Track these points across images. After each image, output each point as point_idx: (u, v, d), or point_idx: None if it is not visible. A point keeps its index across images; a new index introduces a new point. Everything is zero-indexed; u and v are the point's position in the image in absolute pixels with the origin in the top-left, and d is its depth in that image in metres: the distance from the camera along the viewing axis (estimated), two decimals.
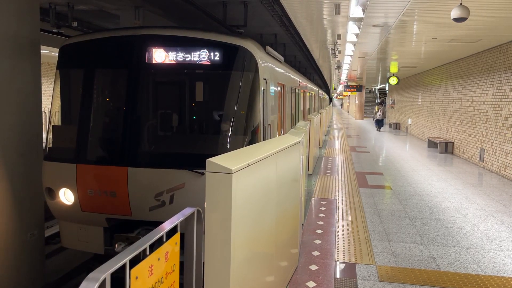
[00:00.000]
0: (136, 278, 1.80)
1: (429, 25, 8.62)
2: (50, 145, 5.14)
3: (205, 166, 4.12)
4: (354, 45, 11.78)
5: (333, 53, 13.68)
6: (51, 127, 5.16)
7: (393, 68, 19.20)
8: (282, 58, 8.21)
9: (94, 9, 8.89)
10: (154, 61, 4.87)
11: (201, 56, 4.80)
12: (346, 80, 31.35)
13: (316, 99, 22.65)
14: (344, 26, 9.23)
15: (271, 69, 6.36)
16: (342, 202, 7.72)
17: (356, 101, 39.25)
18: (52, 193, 4.94)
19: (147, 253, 1.91)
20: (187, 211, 2.40)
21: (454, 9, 6.07)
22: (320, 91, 29.05)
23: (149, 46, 4.88)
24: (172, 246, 2.22)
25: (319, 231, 5.99)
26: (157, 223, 2.14)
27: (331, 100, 60.39)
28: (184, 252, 2.58)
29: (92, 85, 5.05)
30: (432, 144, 16.87)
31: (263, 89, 5.44)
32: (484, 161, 11.96)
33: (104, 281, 1.57)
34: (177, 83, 5.19)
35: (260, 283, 3.25)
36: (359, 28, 9.09)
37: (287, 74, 9.08)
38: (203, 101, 5.10)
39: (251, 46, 5.06)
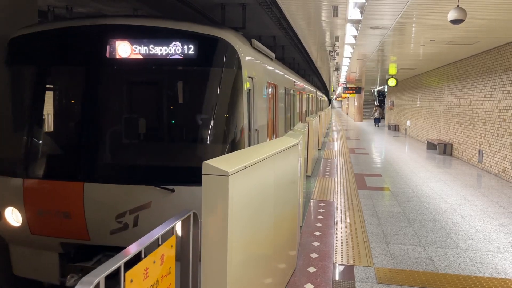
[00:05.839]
0: (131, 281, 1.80)
1: (427, 27, 8.64)
2: None
3: (176, 181, 3.83)
4: (353, 47, 11.80)
5: (332, 55, 13.70)
6: None
7: (392, 70, 19.24)
8: (273, 55, 7.44)
9: (93, 11, 8.90)
10: (117, 56, 4.16)
11: (173, 49, 4.11)
12: (345, 82, 31.40)
13: (315, 101, 22.53)
14: (343, 28, 9.25)
15: (259, 67, 5.61)
16: (340, 204, 7.71)
17: (355, 103, 39.29)
18: None
19: (142, 256, 1.91)
20: (183, 214, 2.40)
21: (451, 11, 6.09)
22: (319, 93, 29.02)
23: (111, 38, 4.16)
24: (168, 248, 2.22)
25: (317, 233, 5.99)
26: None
27: (330, 102, 60.44)
28: (180, 255, 2.58)
29: (44, 85, 4.35)
30: (431, 146, 16.89)
31: (249, 89, 4.79)
32: (483, 163, 11.97)
33: (98, 285, 1.57)
34: (144, 82, 4.44)
35: (257, 285, 3.25)
36: (357, 30, 9.11)
37: (280, 73, 8.22)
38: (175, 104, 4.40)
39: (232, 38, 4.32)
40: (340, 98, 65.50)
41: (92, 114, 4.15)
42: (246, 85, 4.52)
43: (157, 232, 2.09)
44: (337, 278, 4.60)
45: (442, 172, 11.52)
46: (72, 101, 4.44)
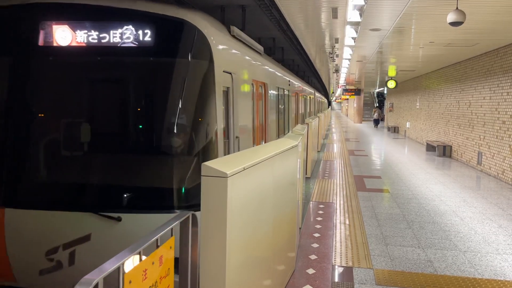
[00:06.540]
0: (130, 282, 1.81)
1: (426, 29, 8.66)
2: None
3: (123, 207, 3.15)
4: (352, 49, 11.82)
5: (331, 57, 13.72)
6: None
7: (391, 72, 19.26)
8: (261, 48, 6.40)
9: None
10: (54, 44, 3.34)
11: (124, 35, 3.27)
12: (345, 84, 31.44)
13: (313, 103, 22.42)
14: (342, 30, 9.27)
15: (241, 60, 4.77)
16: (340, 206, 7.72)
17: (355, 105, 39.34)
18: None
19: (141, 257, 1.92)
20: (182, 215, 2.41)
21: (450, 13, 6.10)
22: (318, 94, 28.98)
23: (46, 21, 3.31)
24: (166, 250, 2.22)
25: (316, 235, 5.99)
26: None
27: (330, 103, 60.49)
28: (179, 256, 2.58)
29: None
30: (430, 148, 16.90)
31: (227, 88, 4.04)
32: (482, 165, 11.98)
33: (97, 285, 1.57)
34: (87, 78, 3.45)
35: (256, 287, 3.25)
36: (356, 32, 9.13)
37: (271, 70, 7.22)
38: (126, 106, 3.44)
39: (201, 22, 3.47)
40: (339, 100, 65.58)
41: (16, 118, 3.32)
42: (221, 82, 3.75)
43: (156, 234, 2.10)
44: (336, 279, 4.60)
45: (441, 174, 11.53)
46: None
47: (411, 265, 5.01)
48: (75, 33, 3.32)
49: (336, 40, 10.89)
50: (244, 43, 5.14)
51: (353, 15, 7.62)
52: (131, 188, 3.20)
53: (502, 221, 6.91)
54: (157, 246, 2.12)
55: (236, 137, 4.38)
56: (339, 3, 6.91)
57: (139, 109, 3.42)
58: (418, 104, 21.30)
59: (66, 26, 3.32)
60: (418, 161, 14.07)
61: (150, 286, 2.01)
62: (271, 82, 7.18)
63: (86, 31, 3.32)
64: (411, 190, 9.28)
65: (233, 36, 4.66)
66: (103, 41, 3.31)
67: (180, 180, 3.24)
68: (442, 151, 15.29)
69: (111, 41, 3.31)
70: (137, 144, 3.41)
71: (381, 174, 11.27)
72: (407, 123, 23.87)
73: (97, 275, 1.61)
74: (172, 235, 2.31)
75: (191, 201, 3.20)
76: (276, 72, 7.98)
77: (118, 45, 3.30)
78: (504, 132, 10.53)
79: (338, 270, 4.84)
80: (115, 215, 3.13)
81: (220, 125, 3.64)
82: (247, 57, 5.14)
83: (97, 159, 3.34)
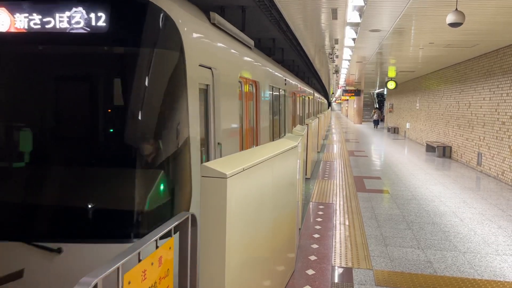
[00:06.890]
0: (129, 283, 1.81)
1: (426, 30, 8.67)
2: None
3: (64, 235, 2.50)
4: (352, 49, 11.83)
5: (331, 58, 13.73)
6: None
7: (391, 73, 19.27)
8: (251, 42, 5.68)
9: None
10: None
11: (74, 19, 2.69)
12: (345, 85, 31.47)
13: (312, 104, 22.36)
14: (342, 31, 9.28)
15: (225, 54, 4.16)
16: (340, 207, 7.72)
17: (355, 106, 39.36)
18: None
19: (140, 257, 1.92)
20: (181, 216, 2.41)
21: (450, 15, 6.11)
22: (318, 95, 28.94)
23: None
24: (166, 250, 2.22)
25: (316, 236, 5.99)
26: None
27: (330, 104, 60.48)
28: (178, 257, 2.58)
29: None
30: (430, 148, 16.90)
31: (206, 85, 3.53)
32: (482, 165, 11.98)
33: (96, 286, 1.58)
34: (28, 72, 2.82)
35: (256, 287, 3.25)
36: (356, 33, 9.14)
37: (263, 67, 6.56)
38: (73, 106, 2.80)
39: (169, 4, 2.88)
40: (339, 101, 65.60)
41: None
42: (197, 78, 3.18)
43: (155, 234, 2.10)
44: (336, 280, 4.60)
45: (441, 174, 11.54)
46: None
47: (410, 266, 5.01)
48: (14, 17, 2.73)
49: (336, 41, 10.90)
50: (229, 34, 4.46)
51: (353, 16, 7.63)
52: (74, 211, 2.61)
53: (502, 222, 6.91)
54: (157, 247, 2.13)
55: (218, 143, 3.84)
56: (339, 4, 6.92)
57: (87, 111, 2.75)
58: (418, 105, 21.31)
59: (3, 8, 2.76)
60: (418, 162, 14.07)
61: (149, 287, 2.01)
62: (264, 80, 6.53)
63: (27, 15, 2.71)
64: (411, 191, 9.28)
65: (214, 25, 3.95)
66: (47, 26, 2.71)
67: (139, 201, 2.62)
68: (442, 152, 15.30)
69: (57, 26, 2.71)
70: (84, 155, 2.74)
71: (381, 175, 11.27)
72: (407, 124, 23.87)
73: (96, 276, 1.61)
74: (171, 236, 2.31)
75: (152, 227, 2.53)
76: (270, 70, 7.23)
77: (66, 31, 2.70)
78: (504, 133, 10.54)
79: (337, 271, 4.85)
80: (54, 245, 2.52)
81: (194, 129, 3.06)
82: (233, 51, 4.50)
83: (32, 173, 2.70)
